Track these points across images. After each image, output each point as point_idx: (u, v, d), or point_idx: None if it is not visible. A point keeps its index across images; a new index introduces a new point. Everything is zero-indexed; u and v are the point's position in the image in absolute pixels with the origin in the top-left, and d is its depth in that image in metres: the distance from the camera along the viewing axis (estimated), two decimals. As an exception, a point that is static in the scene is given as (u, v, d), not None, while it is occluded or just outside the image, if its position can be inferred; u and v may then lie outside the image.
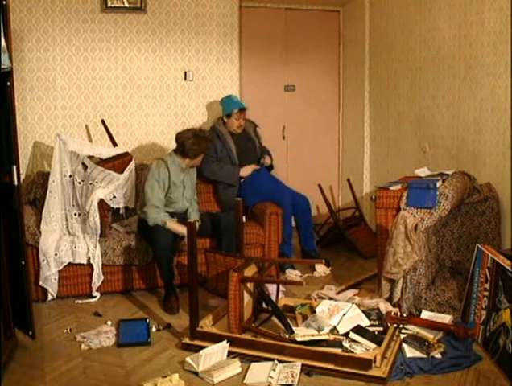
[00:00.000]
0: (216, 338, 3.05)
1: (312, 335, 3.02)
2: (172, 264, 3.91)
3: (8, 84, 2.96)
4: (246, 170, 4.65)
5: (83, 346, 3.19)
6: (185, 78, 5.05)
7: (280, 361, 2.87)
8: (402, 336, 3.11)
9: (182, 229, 3.76)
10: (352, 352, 2.88)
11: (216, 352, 2.92)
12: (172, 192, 4.00)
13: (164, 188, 3.94)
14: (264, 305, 3.35)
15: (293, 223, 4.67)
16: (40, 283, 3.86)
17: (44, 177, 4.30)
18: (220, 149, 4.63)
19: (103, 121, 4.78)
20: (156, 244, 3.82)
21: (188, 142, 3.92)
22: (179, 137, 3.99)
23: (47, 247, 3.88)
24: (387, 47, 5.11)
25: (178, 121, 5.08)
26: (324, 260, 3.81)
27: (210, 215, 4.24)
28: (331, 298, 3.69)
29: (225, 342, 2.99)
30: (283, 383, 2.71)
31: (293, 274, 4.39)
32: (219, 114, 5.19)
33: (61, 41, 4.69)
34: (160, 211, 3.90)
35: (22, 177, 4.34)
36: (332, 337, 3.03)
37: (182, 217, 4.04)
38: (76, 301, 3.91)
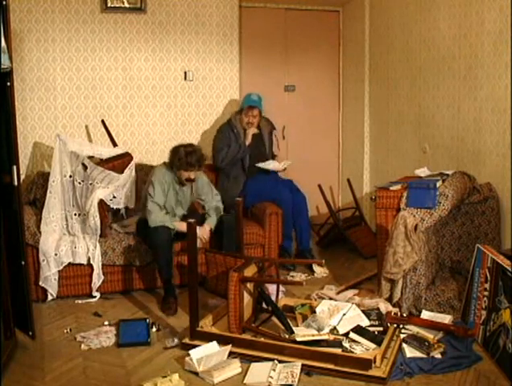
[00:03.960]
0: (216, 338, 3.05)
1: (312, 335, 3.02)
2: (172, 264, 3.91)
3: (8, 84, 2.96)
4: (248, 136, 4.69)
5: (83, 346, 3.20)
6: (185, 78, 5.05)
7: (280, 361, 2.87)
8: (402, 336, 3.11)
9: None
10: (352, 352, 2.88)
11: (217, 352, 2.92)
12: (167, 201, 3.98)
13: (164, 191, 3.94)
14: (264, 305, 3.35)
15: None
16: (40, 283, 3.87)
17: (44, 177, 4.30)
18: (233, 144, 4.65)
19: (103, 121, 4.78)
20: (156, 244, 3.82)
21: (182, 152, 3.86)
22: (173, 150, 3.95)
23: (47, 247, 3.88)
24: (387, 47, 5.11)
25: (178, 121, 5.08)
26: (323, 261, 3.80)
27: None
28: (331, 298, 3.69)
29: (215, 342, 3.00)
30: (283, 383, 2.71)
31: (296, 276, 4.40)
32: (219, 114, 5.19)
33: (61, 41, 4.69)
34: (162, 210, 3.90)
35: (22, 177, 4.34)
36: (332, 337, 3.03)
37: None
38: (76, 302, 3.91)
